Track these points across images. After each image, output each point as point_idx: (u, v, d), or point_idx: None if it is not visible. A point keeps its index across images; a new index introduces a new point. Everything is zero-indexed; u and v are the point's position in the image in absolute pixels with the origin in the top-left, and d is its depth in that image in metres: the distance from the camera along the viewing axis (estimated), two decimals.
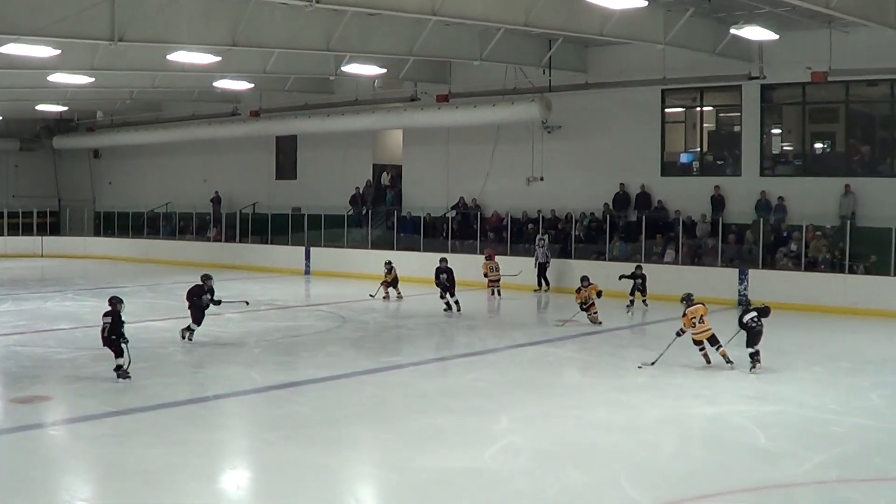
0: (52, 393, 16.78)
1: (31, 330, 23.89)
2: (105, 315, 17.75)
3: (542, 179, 34.81)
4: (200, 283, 21.70)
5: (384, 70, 31.00)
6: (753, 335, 18.20)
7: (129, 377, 17.27)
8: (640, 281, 27.28)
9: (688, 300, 18.68)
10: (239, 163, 45.75)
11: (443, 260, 27.53)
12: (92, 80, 30.56)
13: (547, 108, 32.28)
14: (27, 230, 52.12)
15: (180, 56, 26.02)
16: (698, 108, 32.92)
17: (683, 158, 33.37)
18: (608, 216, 32.27)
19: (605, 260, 31.34)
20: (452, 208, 36.49)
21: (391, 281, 29.57)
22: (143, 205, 48.74)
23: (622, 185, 32.73)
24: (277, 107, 40.98)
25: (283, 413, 15.31)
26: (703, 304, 18.66)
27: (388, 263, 29.73)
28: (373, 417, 14.95)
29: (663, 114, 33.00)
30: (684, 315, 18.54)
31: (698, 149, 33.19)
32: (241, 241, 42.89)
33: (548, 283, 32.04)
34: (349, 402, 16.21)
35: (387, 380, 18.23)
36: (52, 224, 53.88)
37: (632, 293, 27.18)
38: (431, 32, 26.32)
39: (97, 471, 12.33)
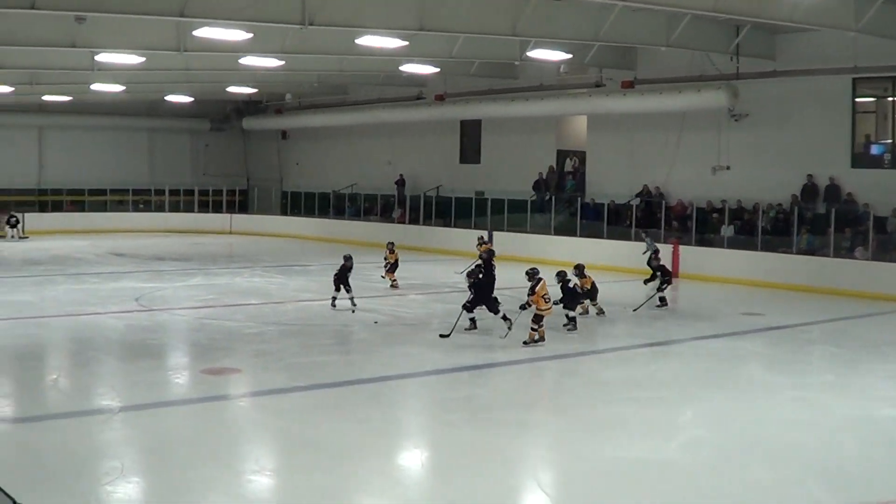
0: (240, 365, 17.45)
1: (221, 304, 24.79)
2: None
3: (728, 168, 34.28)
4: (346, 263, 23.75)
5: (569, 55, 31.00)
6: None
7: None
8: None
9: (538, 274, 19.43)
10: (423, 146, 46.30)
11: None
12: (282, 63, 31.32)
13: (734, 95, 31.88)
14: (217, 208, 53.99)
15: (368, 40, 26.51)
16: (891, 98, 31.97)
17: (874, 150, 32.48)
18: (795, 208, 31.64)
19: (791, 253, 30.77)
20: (636, 196, 36.28)
21: (392, 264, 28.42)
22: (329, 185, 49.84)
23: (810, 176, 32.04)
24: (462, 91, 41.35)
25: (464, 395, 15.61)
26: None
27: (390, 244, 28.79)
28: (554, 404, 15.09)
29: (854, 103, 32.10)
30: (538, 287, 19.15)
31: (890, 140, 32.24)
32: (424, 224, 43.45)
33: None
34: (531, 387, 16.44)
35: (568, 367, 18.37)
36: (240, 202, 55.51)
37: None
38: (617, 17, 26.26)
39: (282, 443, 12.82)
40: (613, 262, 33.02)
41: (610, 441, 12.94)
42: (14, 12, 21.45)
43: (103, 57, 29.11)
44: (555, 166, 40.82)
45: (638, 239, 33.64)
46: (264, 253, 40.02)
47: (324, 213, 49.79)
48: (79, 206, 52.48)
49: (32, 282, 28.90)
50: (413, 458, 12.65)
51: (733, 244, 32.19)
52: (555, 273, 20.93)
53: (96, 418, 13.75)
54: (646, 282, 26.75)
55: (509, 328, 20.04)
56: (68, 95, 43.60)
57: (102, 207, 52.78)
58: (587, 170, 39.54)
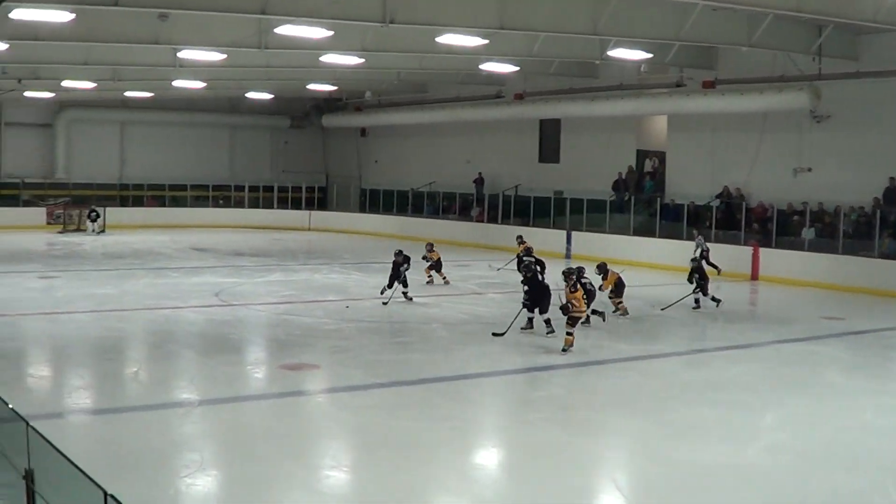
0: (318, 361, 17.54)
1: (300, 300, 24.97)
2: None
3: (809, 170, 33.83)
4: (395, 259, 24.88)
5: (650, 55, 30.78)
6: None
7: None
8: None
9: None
10: (502, 145, 46.22)
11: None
12: (362, 60, 31.45)
13: (816, 96, 31.42)
14: (296, 204, 54.36)
15: (448, 38, 26.51)
16: None
17: None
18: (877, 211, 31.14)
19: (873, 256, 30.30)
20: (716, 197, 35.93)
21: (434, 263, 28.44)
22: (408, 183, 49.94)
23: (893, 178, 31.44)
24: (541, 90, 41.22)
25: (543, 395, 15.58)
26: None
27: (429, 245, 28.97)
28: (633, 405, 14.98)
29: None
30: (578, 290, 18.65)
31: None
32: (502, 223, 43.35)
33: (717, 269, 31.35)
34: (609, 387, 16.34)
35: (647, 368, 18.24)
36: (319, 199, 55.82)
37: None
38: (698, 17, 26.03)
39: (359, 440, 12.85)
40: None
41: (689, 444, 12.84)
42: (98, 9, 21.73)
43: (185, 54, 29.41)
44: (634, 166, 40.57)
45: (718, 240, 33.40)
46: (343, 249, 40.22)
47: (402, 210, 49.90)
48: (159, 202, 53.15)
49: (114, 276, 29.28)
50: (490, 458, 12.66)
51: (814, 247, 31.73)
52: (561, 270, 20.13)
53: (175, 411, 13.89)
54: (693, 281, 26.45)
55: (551, 331, 19.90)
56: (150, 91, 44.14)
57: (183, 203, 53.38)
58: (667, 170, 39.25)
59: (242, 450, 12.00)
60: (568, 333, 18.32)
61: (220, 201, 54.34)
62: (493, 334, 19.85)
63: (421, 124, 48.47)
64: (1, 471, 5.47)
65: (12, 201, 49.67)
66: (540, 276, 21.47)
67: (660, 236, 35.88)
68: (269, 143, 57.38)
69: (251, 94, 46.97)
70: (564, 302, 18.54)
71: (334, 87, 45.56)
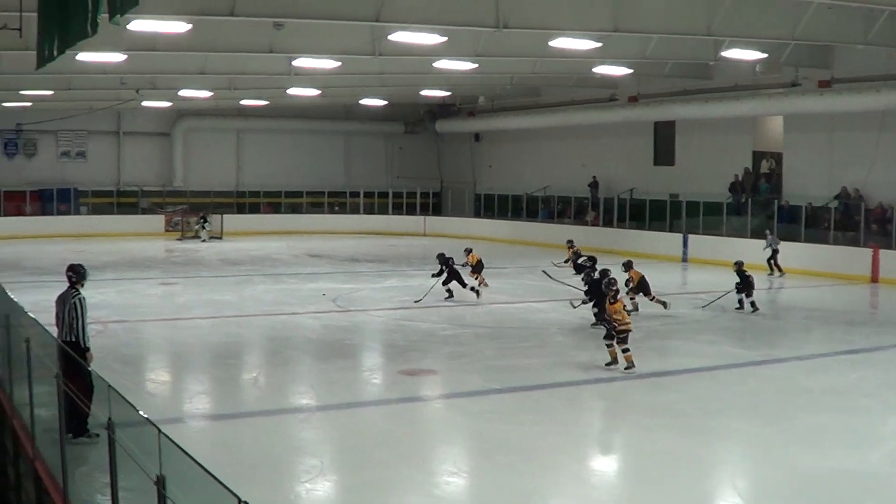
0: (436, 367, 17.64)
1: (417, 306, 25.04)
2: None
3: None
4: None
5: (764, 55, 30.34)
6: None
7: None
8: None
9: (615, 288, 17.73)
10: (617, 148, 45.96)
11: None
12: (475, 66, 31.44)
13: None
14: (411, 210, 54.71)
15: (561, 42, 26.42)
16: None
17: None
18: None
19: None
20: (834, 198, 35.30)
21: (476, 265, 28.22)
22: (522, 188, 49.92)
23: None
24: (655, 92, 40.93)
25: (661, 401, 15.44)
26: None
27: (468, 249, 29.02)
28: (752, 411, 14.79)
29: None
30: (614, 303, 17.31)
31: None
32: (618, 227, 43.20)
33: (780, 270, 31.78)
34: (727, 393, 16.15)
35: (766, 373, 17.95)
36: (434, 204, 56.08)
37: None
38: (813, 15, 25.59)
39: (477, 445, 12.89)
40: (810, 265, 32.28)
41: (810, 450, 12.65)
42: (214, 19, 22.05)
43: (300, 62, 29.73)
44: (750, 168, 40.04)
45: (836, 242, 32.92)
46: (458, 255, 40.14)
47: (517, 215, 49.93)
48: (275, 208, 53.85)
49: (232, 282, 29.74)
50: (608, 464, 12.61)
51: None
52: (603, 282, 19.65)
53: (295, 416, 14.08)
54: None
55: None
56: (266, 100, 44.68)
57: (299, 209, 54.00)
58: (784, 171, 38.66)
59: (361, 455, 12.10)
60: (625, 350, 17.21)
61: (336, 207, 54.86)
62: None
63: (534, 128, 48.44)
64: (133, 476, 5.60)
65: (131, 209, 50.77)
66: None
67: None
68: (384, 149, 57.77)
69: (365, 101, 47.32)
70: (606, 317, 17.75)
71: (448, 93, 45.71)
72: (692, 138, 42.06)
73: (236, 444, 12.58)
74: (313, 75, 33.61)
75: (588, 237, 42.67)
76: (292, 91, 39.09)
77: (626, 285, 22.88)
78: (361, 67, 32.06)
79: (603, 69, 33.86)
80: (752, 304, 24.60)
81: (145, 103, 43.47)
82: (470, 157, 56.44)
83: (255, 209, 53.50)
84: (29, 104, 42.57)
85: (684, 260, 38.02)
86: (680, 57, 32.11)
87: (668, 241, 38.71)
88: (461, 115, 54.02)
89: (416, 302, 24.81)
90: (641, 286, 23.72)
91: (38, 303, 18.59)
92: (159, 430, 4.98)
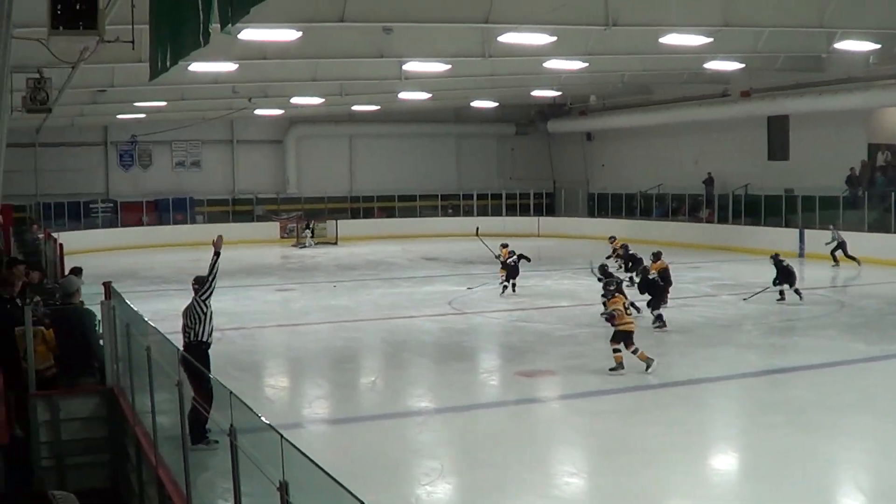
0: (553, 368, 17.59)
1: (532, 307, 25.05)
2: None
3: None
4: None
5: (878, 46, 29.72)
6: None
7: None
8: None
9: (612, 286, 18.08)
10: (730, 143, 45.34)
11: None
12: (585, 65, 31.26)
13: None
14: (524, 211, 54.69)
15: (672, 39, 26.17)
16: None
17: None
18: None
19: None
20: None
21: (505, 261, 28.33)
22: (635, 186, 49.60)
23: None
24: (767, 86, 40.32)
25: (780, 397, 15.23)
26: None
27: (505, 245, 29.09)
28: (875, 407, 14.53)
29: None
30: (616, 297, 17.46)
31: None
32: (733, 223, 42.67)
33: (856, 260, 31.89)
34: (849, 389, 15.87)
35: (888, 369, 17.62)
36: (547, 205, 55.96)
37: None
38: None
39: (597, 446, 12.86)
40: None
41: None
42: (324, 26, 22.22)
43: (410, 66, 29.83)
44: (867, 160, 39.25)
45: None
46: (573, 255, 40.11)
47: (630, 214, 49.63)
48: (389, 212, 54.18)
49: (349, 286, 29.95)
50: (728, 462, 12.48)
51: None
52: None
53: (413, 419, 14.15)
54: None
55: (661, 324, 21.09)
56: (377, 104, 44.96)
57: (412, 213, 54.30)
58: None
59: (480, 457, 12.13)
60: (634, 351, 16.90)
61: (450, 210, 55.04)
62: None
63: (646, 126, 48.08)
64: (255, 481, 5.66)
65: (247, 217, 51.49)
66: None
67: (895, 231, 34.63)
68: (496, 151, 57.80)
69: (476, 103, 47.33)
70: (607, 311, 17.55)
71: (558, 93, 45.56)
72: (806, 132, 41.35)
73: (355, 448, 12.68)
74: (423, 79, 33.73)
75: (703, 235, 42.35)
76: (403, 95, 39.26)
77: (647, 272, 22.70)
78: (471, 69, 32.09)
79: (714, 64, 33.46)
80: (797, 292, 24.64)
81: (258, 111, 43.99)
82: (582, 157, 56.17)
83: (368, 214, 53.91)
84: (143, 116, 43.35)
85: (801, 255, 37.37)
86: (792, 50, 31.58)
87: (784, 237, 38.09)
88: (572, 114, 53.80)
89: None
90: (662, 277, 22.89)
91: (158, 311, 18.99)
92: (281, 436, 5.04)
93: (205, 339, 12.92)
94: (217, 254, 13.61)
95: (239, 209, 51.86)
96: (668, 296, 22.14)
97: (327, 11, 20.20)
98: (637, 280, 22.81)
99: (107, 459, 11.30)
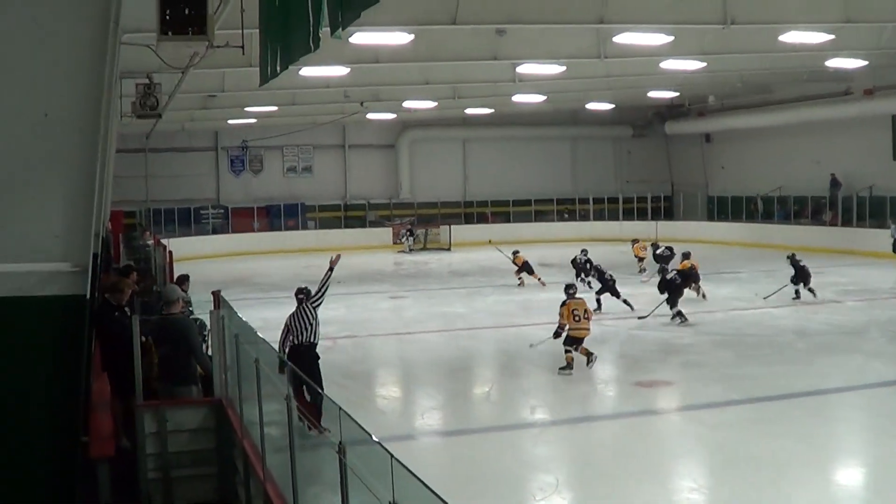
0: (673, 378, 17.36)
1: (663, 313, 24.70)
2: None
3: None
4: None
5: None
6: None
7: None
8: None
9: (571, 290, 19.14)
10: (853, 143, 44.35)
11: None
12: (703, 64, 30.89)
13: None
14: (641, 215, 54.17)
15: (792, 36, 25.75)
16: None
17: None
18: None
19: None
20: None
21: (521, 267, 31.55)
22: (755, 188, 48.80)
23: None
24: (892, 83, 39.47)
25: None
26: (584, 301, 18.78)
27: (515, 252, 32.23)
28: None
29: None
30: (564, 305, 18.33)
31: None
32: (857, 226, 41.81)
33: None
34: None
35: None
36: (665, 209, 55.43)
37: None
38: None
39: (718, 459, 12.60)
40: None
41: None
42: (436, 28, 22.22)
43: (524, 68, 29.71)
44: None
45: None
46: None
47: (751, 217, 48.89)
48: (503, 218, 54.05)
49: (462, 294, 29.93)
50: (856, 477, 12.15)
51: None
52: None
53: (528, 431, 14.03)
54: None
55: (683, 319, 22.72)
56: (490, 108, 44.89)
57: (527, 218, 54.11)
58: None
59: (597, 470, 11.99)
60: (566, 351, 17.94)
61: (565, 215, 54.79)
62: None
63: (767, 127, 47.33)
64: (364, 495, 5.60)
65: (359, 222, 51.81)
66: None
67: None
68: (612, 154, 57.40)
69: (591, 105, 47.03)
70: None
71: (676, 94, 45.12)
72: None
73: (469, 461, 12.60)
74: (538, 81, 33.60)
75: (827, 238, 41.54)
76: (517, 98, 39.18)
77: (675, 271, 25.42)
78: (587, 71, 31.88)
79: (836, 62, 32.82)
80: (811, 290, 25.88)
81: (370, 115, 44.25)
82: (701, 159, 55.48)
83: (482, 219, 53.87)
84: (254, 121, 43.87)
85: None
86: None
87: None
88: (691, 115, 53.22)
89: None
90: (686, 276, 25.17)
91: (269, 320, 19.07)
92: (391, 456, 4.95)
93: (315, 342, 13.95)
94: (331, 269, 14.48)
95: (351, 215, 52.21)
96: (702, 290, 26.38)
97: (439, 14, 20.22)
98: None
99: (214, 472, 11.33)
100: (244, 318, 11.68)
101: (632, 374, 17.86)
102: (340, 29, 8.02)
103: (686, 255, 26.50)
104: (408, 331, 23.60)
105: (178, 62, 14.25)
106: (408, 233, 48.33)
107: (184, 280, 17.78)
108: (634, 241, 35.44)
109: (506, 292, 29.85)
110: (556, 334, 18.24)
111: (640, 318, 23.76)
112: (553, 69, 29.61)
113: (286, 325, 14.22)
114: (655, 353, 19.60)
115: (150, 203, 48.18)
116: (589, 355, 17.76)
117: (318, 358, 14.03)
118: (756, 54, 30.24)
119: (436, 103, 39.47)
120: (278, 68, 11.11)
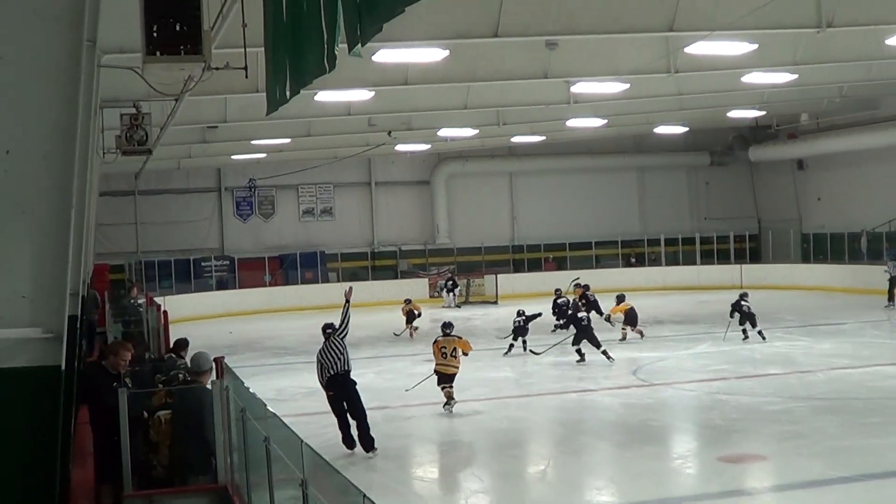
0: (765, 451, 17.18)
1: (736, 375, 24.60)
2: None
3: None
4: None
5: None
6: None
7: None
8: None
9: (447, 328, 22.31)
10: None
11: None
12: (793, 76, 30.76)
13: None
14: (723, 257, 53.96)
15: None
16: None
17: None
18: None
19: None
20: None
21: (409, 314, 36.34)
22: (861, 223, 48.50)
23: None
24: None
25: None
26: (465, 340, 22.31)
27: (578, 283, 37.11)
28: None
29: None
30: (434, 343, 21.99)
31: None
32: None
33: None
34: None
35: None
36: (751, 249, 55.21)
37: None
38: None
39: None
40: None
41: None
42: (476, 42, 22.19)
43: (580, 87, 29.67)
44: None
45: None
46: (784, 310, 39.42)
47: (855, 257, 48.57)
48: (559, 263, 53.92)
49: (511, 355, 29.77)
50: None
51: None
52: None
53: None
54: None
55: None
56: (541, 135, 44.83)
57: (587, 264, 53.86)
58: None
59: None
60: (442, 388, 21.53)
61: (632, 259, 54.73)
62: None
63: (872, 148, 47.11)
64: None
65: (389, 273, 51.84)
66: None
67: None
68: (686, 186, 57.33)
69: (660, 129, 46.93)
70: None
71: (761, 113, 44.92)
72: None
73: None
74: (596, 102, 33.59)
75: None
76: (572, 122, 39.14)
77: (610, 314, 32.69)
78: (654, 89, 31.85)
79: None
80: (760, 333, 30.01)
81: (399, 147, 44.28)
82: (793, 190, 55.26)
83: (534, 265, 53.78)
84: (262, 156, 44.00)
85: None
86: None
87: None
88: (780, 138, 53.12)
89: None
90: (629, 317, 31.79)
91: (284, 390, 19.11)
92: None
93: (349, 369, 17.85)
94: (348, 301, 18.44)
95: (380, 264, 52.37)
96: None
97: (479, 25, 20.19)
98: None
99: None
100: (252, 390, 11.63)
101: (715, 448, 17.67)
102: (360, 45, 7.98)
103: (620, 299, 31.99)
104: None
105: (169, 87, 14.28)
106: (447, 284, 48.24)
107: (182, 346, 17.76)
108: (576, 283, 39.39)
109: (562, 352, 29.69)
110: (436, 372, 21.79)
111: (533, 352, 29.44)
112: (614, 87, 29.57)
113: (318, 360, 17.97)
114: (743, 422, 19.43)
115: (142, 255, 48.55)
116: (449, 398, 21.31)
117: (356, 383, 17.83)
118: (858, 63, 30.10)
119: (476, 131, 39.51)
120: (289, 93, 11.11)
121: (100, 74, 12.19)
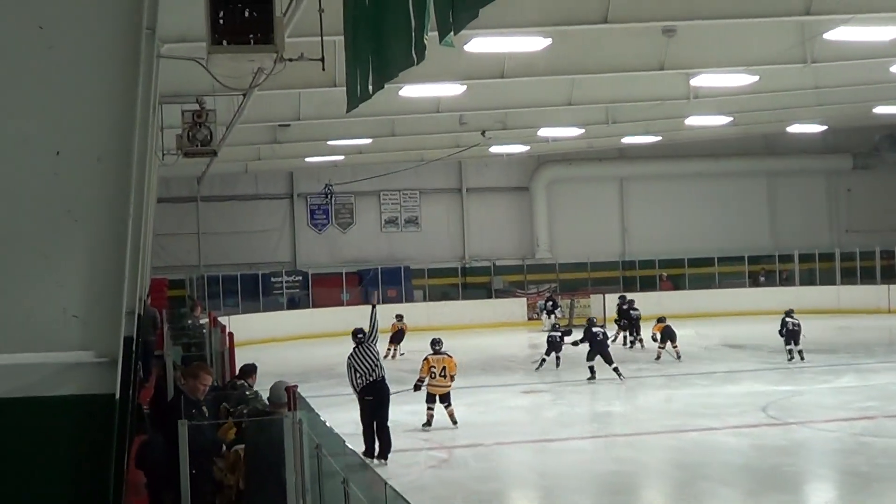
0: None
1: (884, 414, 24.34)
2: None
3: None
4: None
5: None
6: None
7: None
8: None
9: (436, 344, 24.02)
10: None
11: None
12: None
13: None
14: (868, 276, 53.11)
15: None
16: None
17: None
18: None
19: None
20: None
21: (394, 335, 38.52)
22: None
23: None
24: None
25: None
26: (452, 358, 23.82)
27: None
28: None
29: None
30: (425, 360, 23.58)
31: None
32: None
33: None
34: None
35: None
36: None
37: None
38: None
39: None
40: None
41: None
42: (582, 30, 22.14)
43: (701, 80, 29.50)
44: None
45: None
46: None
47: None
48: (676, 282, 53.70)
49: (621, 387, 29.74)
50: None
51: None
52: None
53: None
54: None
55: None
56: (657, 135, 44.61)
57: (709, 283, 53.66)
58: None
59: None
60: (429, 408, 23.69)
61: (761, 278, 54.35)
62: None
63: None
64: None
65: (482, 292, 51.79)
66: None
67: None
68: (825, 194, 56.88)
69: (794, 128, 46.60)
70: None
71: None
72: None
73: None
74: (720, 97, 33.44)
75: None
76: (692, 121, 38.98)
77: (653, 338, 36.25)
78: (787, 82, 31.63)
79: None
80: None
81: (494, 149, 44.25)
82: None
83: (648, 284, 53.52)
84: (340, 158, 44.02)
85: None
86: None
87: None
88: None
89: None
90: (664, 336, 35.08)
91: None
92: None
93: (384, 375, 20.22)
94: (374, 306, 21.59)
95: (471, 281, 52.40)
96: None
97: (586, 9, 20.14)
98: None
99: None
100: (329, 423, 11.69)
101: (860, 498, 17.58)
102: (452, 33, 8.01)
103: (661, 320, 35.82)
104: (548, 437, 23.58)
105: (236, 81, 14.35)
106: (546, 305, 48.12)
107: (250, 372, 17.85)
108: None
109: (682, 384, 29.63)
110: (416, 387, 23.59)
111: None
112: (741, 80, 29.42)
113: (349, 365, 20.44)
114: (892, 469, 19.27)
115: (204, 269, 48.76)
116: (452, 417, 23.64)
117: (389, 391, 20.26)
118: None
119: (583, 130, 39.44)
120: (371, 88, 11.16)
121: (159, 66, 12.28)
